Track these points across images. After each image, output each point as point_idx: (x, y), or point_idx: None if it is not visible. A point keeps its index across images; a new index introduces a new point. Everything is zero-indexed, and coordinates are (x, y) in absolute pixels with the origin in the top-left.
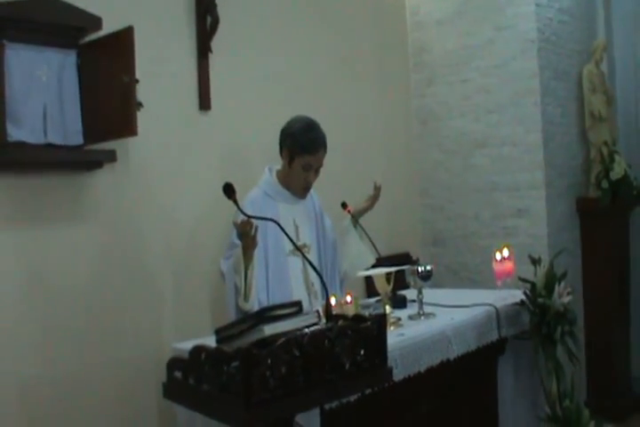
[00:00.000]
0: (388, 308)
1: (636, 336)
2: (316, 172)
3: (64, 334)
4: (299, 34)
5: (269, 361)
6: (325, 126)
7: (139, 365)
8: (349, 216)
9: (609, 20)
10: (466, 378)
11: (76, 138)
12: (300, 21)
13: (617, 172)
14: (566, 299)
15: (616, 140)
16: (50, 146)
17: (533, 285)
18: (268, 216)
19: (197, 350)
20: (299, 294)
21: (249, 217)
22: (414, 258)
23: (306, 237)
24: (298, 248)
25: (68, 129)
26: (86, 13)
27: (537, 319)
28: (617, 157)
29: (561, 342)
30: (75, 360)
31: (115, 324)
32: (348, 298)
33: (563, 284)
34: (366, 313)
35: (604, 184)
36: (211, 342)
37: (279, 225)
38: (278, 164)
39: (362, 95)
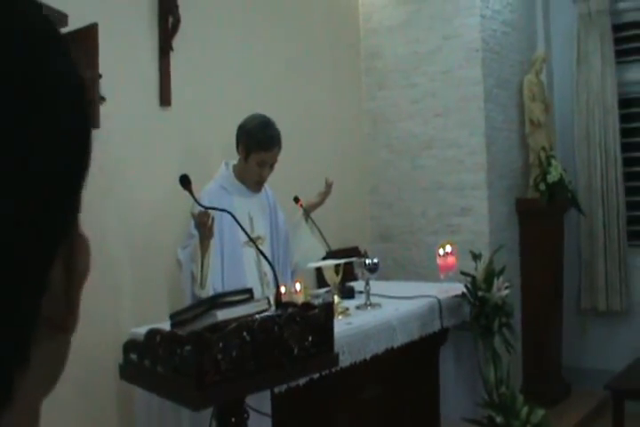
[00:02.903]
0: (336, 298)
1: (567, 328)
2: (271, 167)
3: None
4: (256, 37)
5: (221, 345)
6: (281, 125)
7: (98, 348)
8: (301, 210)
9: (548, 33)
10: (409, 365)
11: None
12: (258, 25)
13: (553, 175)
14: (504, 292)
15: (553, 146)
16: None
17: (474, 278)
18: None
19: (152, 334)
20: (252, 283)
21: (206, 208)
22: (362, 252)
23: (260, 229)
24: (252, 239)
25: None
26: (52, 10)
27: (476, 311)
28: (554, 162)
29: (498, 333)
30: None
31: None
32: (297, 286)
33: (501, 278)
34: (316, 302)
35: (542, 186)
36: (166, 326)
37: (233, 216)
38: (235, 159)
39: (316, 97)
